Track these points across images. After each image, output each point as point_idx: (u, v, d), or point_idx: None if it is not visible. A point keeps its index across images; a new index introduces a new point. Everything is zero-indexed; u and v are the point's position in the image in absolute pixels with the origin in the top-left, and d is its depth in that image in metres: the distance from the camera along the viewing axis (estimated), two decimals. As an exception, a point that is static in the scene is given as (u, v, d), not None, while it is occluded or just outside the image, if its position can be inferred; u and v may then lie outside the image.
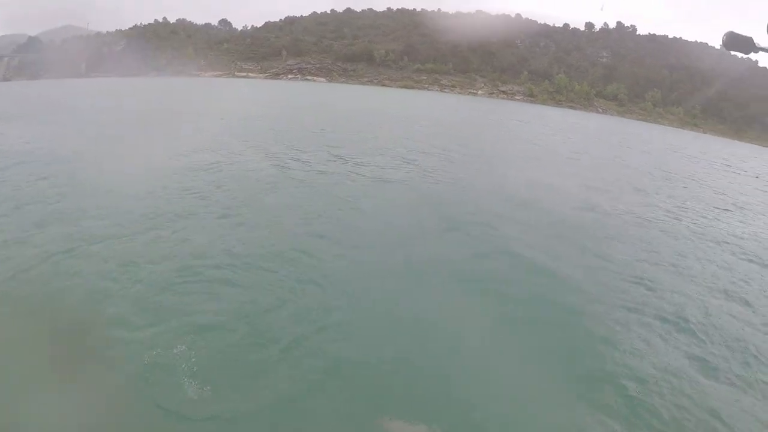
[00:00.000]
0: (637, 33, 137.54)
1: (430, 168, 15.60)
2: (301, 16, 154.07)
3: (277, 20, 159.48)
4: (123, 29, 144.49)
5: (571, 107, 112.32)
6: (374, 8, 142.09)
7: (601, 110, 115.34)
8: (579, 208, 12.77)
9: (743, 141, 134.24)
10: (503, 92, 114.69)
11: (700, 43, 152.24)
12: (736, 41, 1.05)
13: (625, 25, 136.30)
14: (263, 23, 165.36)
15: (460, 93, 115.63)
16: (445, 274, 7.52)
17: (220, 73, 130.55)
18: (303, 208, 10.04)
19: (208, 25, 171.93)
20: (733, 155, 47.47)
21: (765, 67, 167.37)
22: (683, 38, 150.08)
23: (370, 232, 8.96)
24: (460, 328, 5.98)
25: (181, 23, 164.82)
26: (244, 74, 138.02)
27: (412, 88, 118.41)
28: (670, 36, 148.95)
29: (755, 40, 1.13)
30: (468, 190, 13.51)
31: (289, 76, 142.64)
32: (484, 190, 13.79)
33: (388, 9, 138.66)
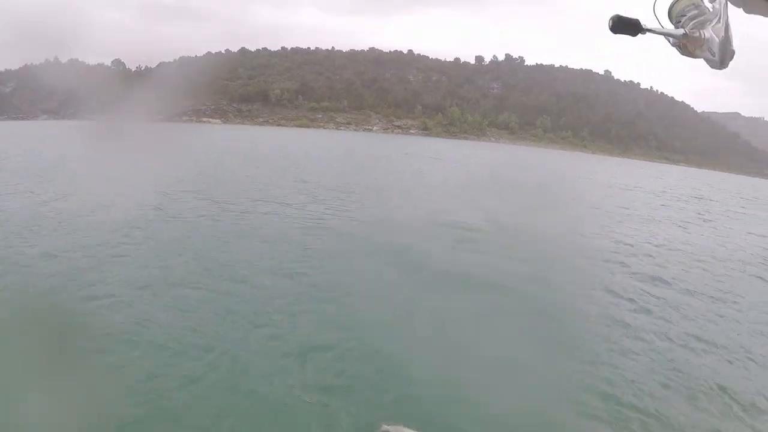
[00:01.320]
0: (525, 63, 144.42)
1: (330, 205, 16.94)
2: (196, 56, 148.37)
3: (171, 60, 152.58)
4: (12, 69, 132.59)
5: (465, 138, 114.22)
6: (269, 48, 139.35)
7: (493, 139, 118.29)
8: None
9: (631, 158, 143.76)
10: (398, 127, 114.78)
11: (585, 69, 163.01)
12: (623, 24, 1.14)
13: (514, 57, 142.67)
14: (157, 64, 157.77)
15: (355, 130, 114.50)
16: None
17: (113, 116, 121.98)
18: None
19: (101, 66, 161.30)
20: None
21: (646, 88, 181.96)
22: (569, 66, 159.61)
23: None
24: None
25: (74, 63, 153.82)
26: (137, 118, 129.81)
27: (308, 126, 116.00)
28: (557, 65, 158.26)
29: (642, 23, 1.27)
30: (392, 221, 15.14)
31: (184, 118, 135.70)
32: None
33: (283, 48, 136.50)
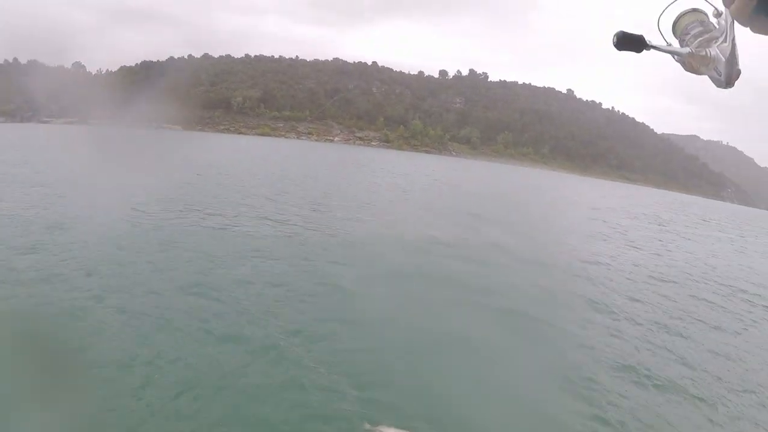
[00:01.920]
0: (489, 80, 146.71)
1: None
2: (158, 61, 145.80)
3: (133, 65, 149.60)
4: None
5: (426, 151, 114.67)
6: (232, 54, 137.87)
7: (454, 153, 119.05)
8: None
9: (591, 176, 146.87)
10: (360, 138, 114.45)
11: (548, 87, 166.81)
12: (628, 40, 1.12)
13: (478, 73, 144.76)
14: (119, 67, 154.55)
15: (317, 140, 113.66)
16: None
17: (73, 120, 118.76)
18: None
19: (61, 68, 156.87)
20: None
21: (608, 108, 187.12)
22: (532, 84, 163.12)
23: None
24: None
25: (33, 64, 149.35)
26: (97, 121, 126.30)
27: (269, 135, 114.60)
28: (520, 82, 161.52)
29: (646, 39, 1.26)
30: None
31: (145, 123, 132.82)
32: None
33: (246, 55, 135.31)
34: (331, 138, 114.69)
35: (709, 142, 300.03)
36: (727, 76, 1.41)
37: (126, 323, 6.74)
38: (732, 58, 1.39)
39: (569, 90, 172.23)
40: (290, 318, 7.50)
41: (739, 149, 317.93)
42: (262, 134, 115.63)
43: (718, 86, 1.48)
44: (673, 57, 1.48)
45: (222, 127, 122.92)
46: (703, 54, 1.41)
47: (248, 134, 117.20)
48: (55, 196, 15.92)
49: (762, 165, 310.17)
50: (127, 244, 10.58)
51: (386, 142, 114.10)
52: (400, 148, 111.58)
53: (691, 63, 1.44)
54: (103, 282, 8.21)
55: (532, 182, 67.24)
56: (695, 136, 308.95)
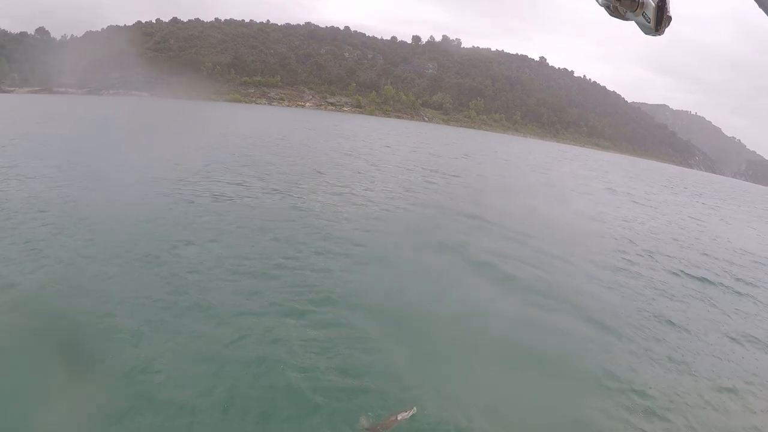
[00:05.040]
0: (462, 46, 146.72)
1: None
2: (125, 25, 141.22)
3: (99, 30, 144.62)
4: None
5: (398, 117, 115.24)
6: (201, 18, 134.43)
7: (426, 119, 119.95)
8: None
9: (562, 142, 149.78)
10: (331, 104, 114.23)
11: (521, 55, 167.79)
12: None
13: (451, 39, 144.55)
14: (84, 33, 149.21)
15: (288, 105, 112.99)
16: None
17: (37, 89, 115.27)
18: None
19: (23, 35, 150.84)
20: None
21: (580, 76, 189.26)
22: (505, 51, 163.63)
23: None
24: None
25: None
26: (63, 89, 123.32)
27: (240, 101, 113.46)
28: (493, 49, 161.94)
29: None
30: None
31: (111, 91, 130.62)
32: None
33: (216, 20, 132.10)
34: (303, 104, 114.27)
35: (678, 111, 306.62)
36: (657, 21, 1.34)
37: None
38: (662, 3, 1.32)
39: (542, 57, 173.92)
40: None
41: (707, 119, 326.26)
42: (233, 100, 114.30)
43: (646, 33, 1.42)
44: (597, 1, 1.41)
45: (192, 93, 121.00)
46: None
47: (218, 100, 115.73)
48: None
49: (728, 135, 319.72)
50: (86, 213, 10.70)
51: (358, 108, 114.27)
52: (372, 113, 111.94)
53: (617, 7, 1.37)
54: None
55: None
56: (665, 105, 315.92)
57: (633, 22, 1.40)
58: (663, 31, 1.37)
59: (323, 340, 6.31)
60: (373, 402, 5.15)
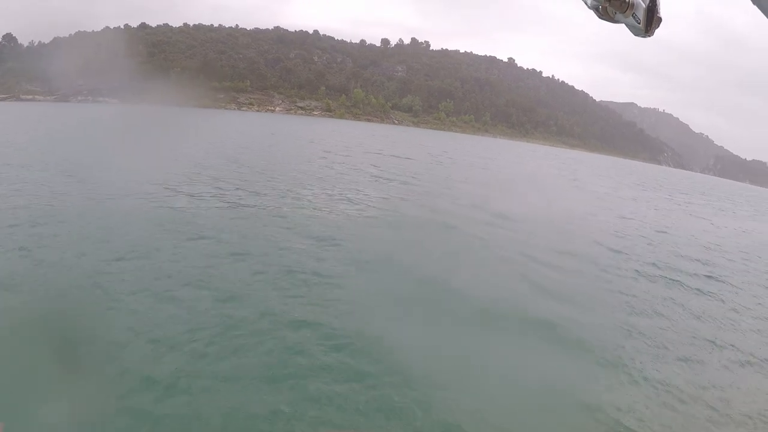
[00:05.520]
0: (431, 48, 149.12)
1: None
2: (93, 31, 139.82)
3: (67, 35, 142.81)
4: None
5: (368, 120, 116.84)
6: (170, 23, 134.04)
7: (396, 121, 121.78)
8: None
9: (531, 142, 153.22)
10: (301, 108, 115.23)
11: (489, 56, 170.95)
12: None
13: (419, 41, 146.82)
14: (52, 39, 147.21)
15: (258, 110, 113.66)
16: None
17: (3, 96, 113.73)
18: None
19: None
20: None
21: (548, 76, 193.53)
22: (474, 52, 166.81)
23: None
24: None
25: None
26: (30, 97, 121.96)
27: (209, 107, 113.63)
28: (462, 50, 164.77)
29: None
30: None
31: (79, 98, 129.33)
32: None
33: (185, 24, 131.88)
34: (272, 108, 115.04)
35: (646, 109, 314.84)
36: (647, 22, 1.32)
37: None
38: (653, 5, 1.30)
39: (510, 59, 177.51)
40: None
41: (675, 116, 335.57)
42: (202, 106, 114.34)
43: (635, 34, 1.40)
44: (585, 3, 1.40)
45: (160, 99, 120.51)
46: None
47: (187, 106, 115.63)
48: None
49: (696, 131, 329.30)
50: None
51: (328, 111, 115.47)
52: (341, 117, 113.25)
53: (606, 9, 1.35)
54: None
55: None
56: (633, 103, 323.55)
57: (623, 24, 1.39)
58: (653, 33, 1.34)
59: (327, 344, 6.38)
60: (373, 402, 5.23)
